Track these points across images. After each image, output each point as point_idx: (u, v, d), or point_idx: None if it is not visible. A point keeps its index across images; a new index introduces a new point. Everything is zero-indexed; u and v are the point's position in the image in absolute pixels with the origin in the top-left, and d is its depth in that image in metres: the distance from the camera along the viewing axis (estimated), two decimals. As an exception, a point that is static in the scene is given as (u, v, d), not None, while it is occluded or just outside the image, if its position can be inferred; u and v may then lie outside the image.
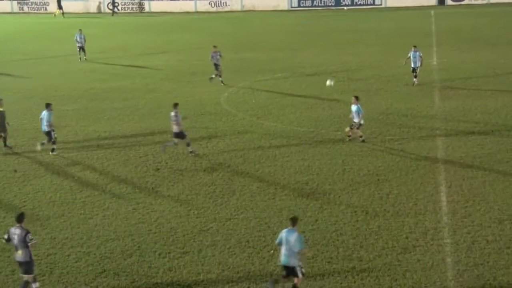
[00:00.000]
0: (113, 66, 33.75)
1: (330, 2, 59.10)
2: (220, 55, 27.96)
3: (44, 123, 19.04)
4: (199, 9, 60.39)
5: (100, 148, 19.77)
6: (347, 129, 19.66)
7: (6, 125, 19.53)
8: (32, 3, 61.55)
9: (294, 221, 11.35)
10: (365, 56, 34.04)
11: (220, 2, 60.75)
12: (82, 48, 35.02)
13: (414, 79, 26.67)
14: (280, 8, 58.92)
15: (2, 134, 19.57)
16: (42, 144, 19.14)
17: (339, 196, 15.51)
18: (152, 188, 16.51)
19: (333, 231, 13.68)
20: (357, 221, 14.11)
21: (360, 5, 58.46)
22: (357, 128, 19.43)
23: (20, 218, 11.50)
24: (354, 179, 16.58)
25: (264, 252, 12.87)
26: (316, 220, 14.22)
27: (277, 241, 11.45)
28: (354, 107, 19.36)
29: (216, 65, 27.89)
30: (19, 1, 60.82)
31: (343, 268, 12.16)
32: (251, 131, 21.13)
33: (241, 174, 17.28)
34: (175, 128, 18.66)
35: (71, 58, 35.53)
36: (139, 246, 13.25)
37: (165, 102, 24.31)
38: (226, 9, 60.31)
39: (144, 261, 12.64)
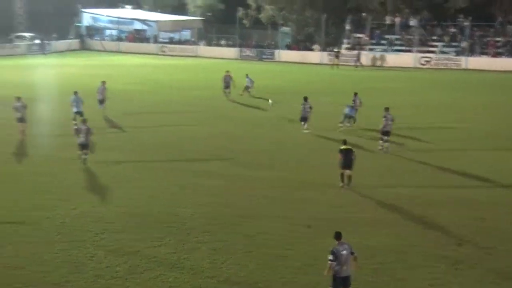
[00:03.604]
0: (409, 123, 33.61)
1: None
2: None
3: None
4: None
5: (396, 211, 19.64)
6: None
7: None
8: (342, 54, 64.95)
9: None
10: None
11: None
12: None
13: None
14: None
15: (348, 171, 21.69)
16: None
17: None
18: (452, 264, 15.74)
19: None
20: None
21: None
22: None
23: (339, 236, 13.28)
24: None
25: None
26: None
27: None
28: None
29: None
30: (329, 52, 64.50)
31: None
32: None
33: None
34: None
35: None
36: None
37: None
38: None
39: None
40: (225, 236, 17.40)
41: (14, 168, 23.93)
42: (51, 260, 15.69)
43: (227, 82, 40.50)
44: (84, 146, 24.20)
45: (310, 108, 30.60)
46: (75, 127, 25.07)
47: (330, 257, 13.02)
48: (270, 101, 37.64)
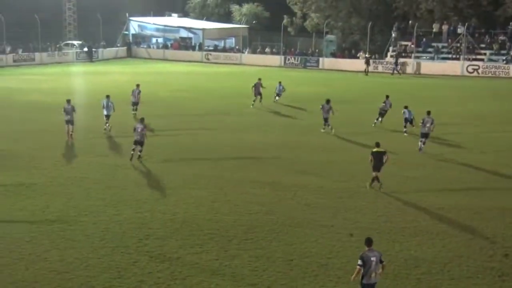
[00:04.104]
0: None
1: None
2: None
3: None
4: None
5: (441, 221, 19.37)
6: None
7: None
8: (386, 62, 64.52)
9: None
10: None
11: None
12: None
13: None
14: None
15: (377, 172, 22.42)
16: None
17: None
18: (499, 276, 15.46)
19: None
20: None
21: None
22: None
23: (370, 242, 13.29)
24: None
25: None
26: None
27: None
28: None
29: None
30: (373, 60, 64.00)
31: None
32: None
33: None
34: None
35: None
36: None
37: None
38: None
39: None
40: (266, 244, 17.42)
41: (62, 173, 24.35)
42: (95, 265, 15.94)
43: (259, 89, 40.65)
44: (139, 143, 25.78)
45: (330, 109, 31.91)
46: (134, 126, 26.34)
47: (359, 262, 13.14)
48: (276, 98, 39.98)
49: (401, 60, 63.16)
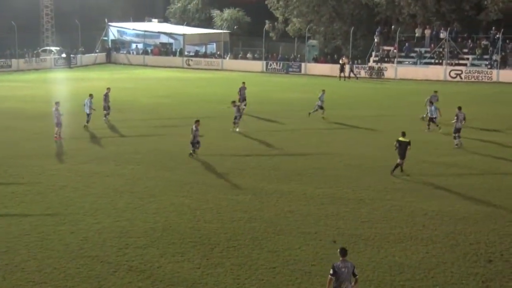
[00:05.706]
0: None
1: None
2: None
3: None
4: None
5: (425, 227, 19.46)
6: None
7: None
8: (369, 67, 65.01)
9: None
10: None
11: None
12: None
13: None
14: None
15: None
16: None
17: None
18: (482, 281, 15.55)
19: None
20: None
21: None
22: None
23: (345, 252, 13.18)
24: None
25: None
26: None
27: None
28: None
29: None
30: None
31: None
32: None
33: None
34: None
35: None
36: None
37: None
38: None
39: None
40: (249, 252, 17.39)
41: (40, 181, 24.12)
42: (74, 275, 15.80)
43: (243, 94, 39.93)
44: (193, 142, 27.97)
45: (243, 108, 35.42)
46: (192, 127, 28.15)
47: (330, 271, 13.09)
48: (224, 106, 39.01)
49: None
